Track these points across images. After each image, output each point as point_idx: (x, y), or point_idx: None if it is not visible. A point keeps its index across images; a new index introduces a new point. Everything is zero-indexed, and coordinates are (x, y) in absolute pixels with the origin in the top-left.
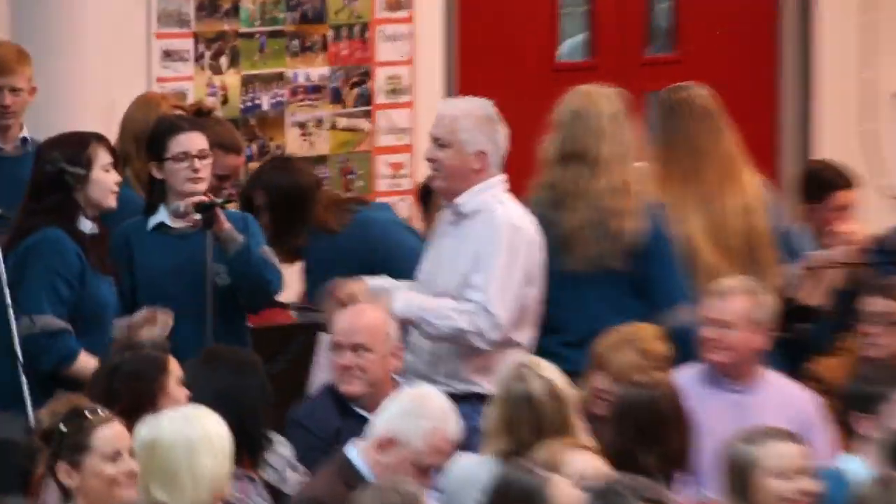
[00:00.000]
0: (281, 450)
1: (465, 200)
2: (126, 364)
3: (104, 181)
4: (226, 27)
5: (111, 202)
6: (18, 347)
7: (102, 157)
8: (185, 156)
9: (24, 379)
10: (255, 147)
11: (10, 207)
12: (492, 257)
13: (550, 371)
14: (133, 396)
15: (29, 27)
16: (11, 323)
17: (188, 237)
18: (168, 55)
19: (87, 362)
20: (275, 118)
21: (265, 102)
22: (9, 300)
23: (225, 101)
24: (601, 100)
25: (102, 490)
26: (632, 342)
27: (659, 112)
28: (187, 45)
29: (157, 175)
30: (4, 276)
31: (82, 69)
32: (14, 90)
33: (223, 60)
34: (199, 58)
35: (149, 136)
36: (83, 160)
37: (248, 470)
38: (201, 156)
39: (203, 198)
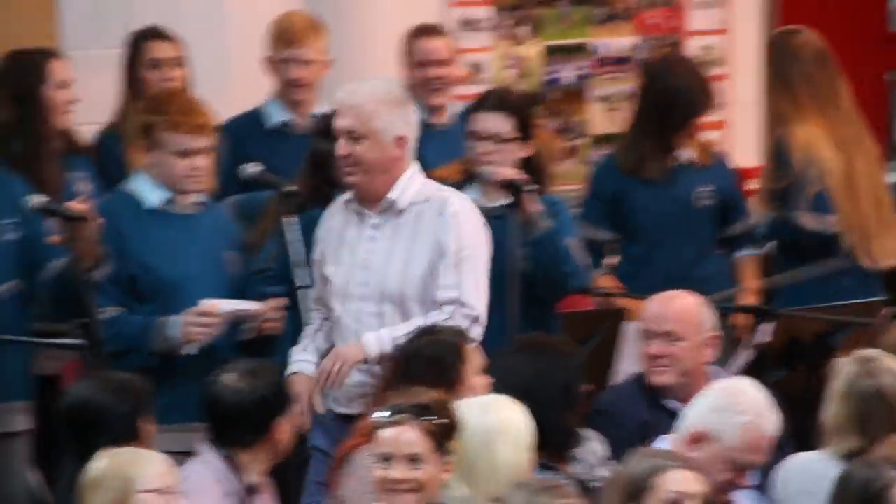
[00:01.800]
0: (593, 446)
1: (398, 195)
2: (424, 350)
3: None
4: None
5: None
6: None
7: None
8: (477, 135)
9: None
10: (556, 123)
11: None
12: (461, 250)
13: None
14: (430, 385)
15: None
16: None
17: (494, 219)
18: (465, 25)
19: None
20: (577, 92)
21: (567, 75)
22: (300, 282)
23: (525, 74)
24: None
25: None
26: None
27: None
28: (485, 14)
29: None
30: (299, 258)
31: (374, 41)
32: (304, 62)
33: (523, 30)
34: (497, 28)
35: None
36: (334, 135)
37: (555, 463)
38: (498, 139)
39: (514, 174)
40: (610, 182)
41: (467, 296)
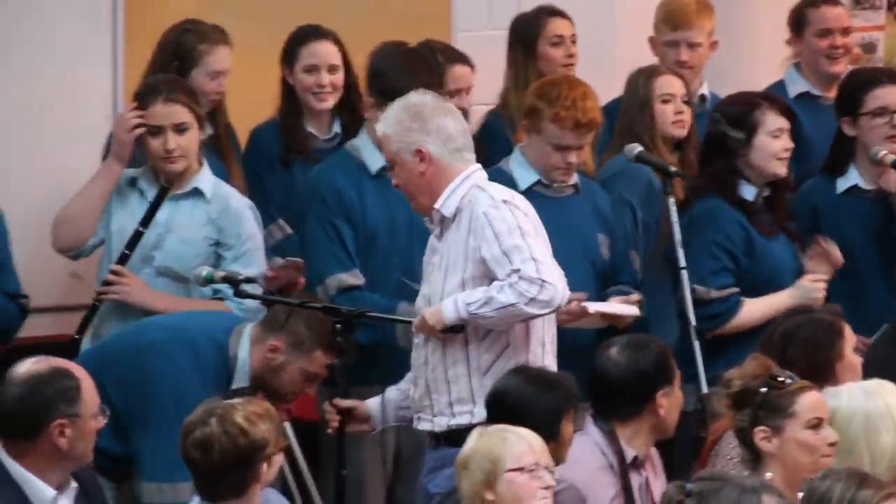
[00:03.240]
0: None
1: (443, 202)
2: (801, 329)
3: (768, 147)
4: None
5: (776, 169)
6: (691, 311)
7: (771, 122)
8: (884, 111)
9: (696, 343)
10: None
11: None
12: (498, 231)
13: None
14: (809, 363)
15: None
16: (685, 285)
17: (875, 202)
18: (857, 3)
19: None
20: None
21: None
22: (683, 262)
23: None
24: None
25: (801, 458)
26: None
27: None
28: None
29: (849, 132)
30: (679, 238)
31: (760, 22)
32: (691, 45)
33: None
34: (892, 6)
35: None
36: (747, 123)
37: None
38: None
39: None
40: None
41: (519, 262)
